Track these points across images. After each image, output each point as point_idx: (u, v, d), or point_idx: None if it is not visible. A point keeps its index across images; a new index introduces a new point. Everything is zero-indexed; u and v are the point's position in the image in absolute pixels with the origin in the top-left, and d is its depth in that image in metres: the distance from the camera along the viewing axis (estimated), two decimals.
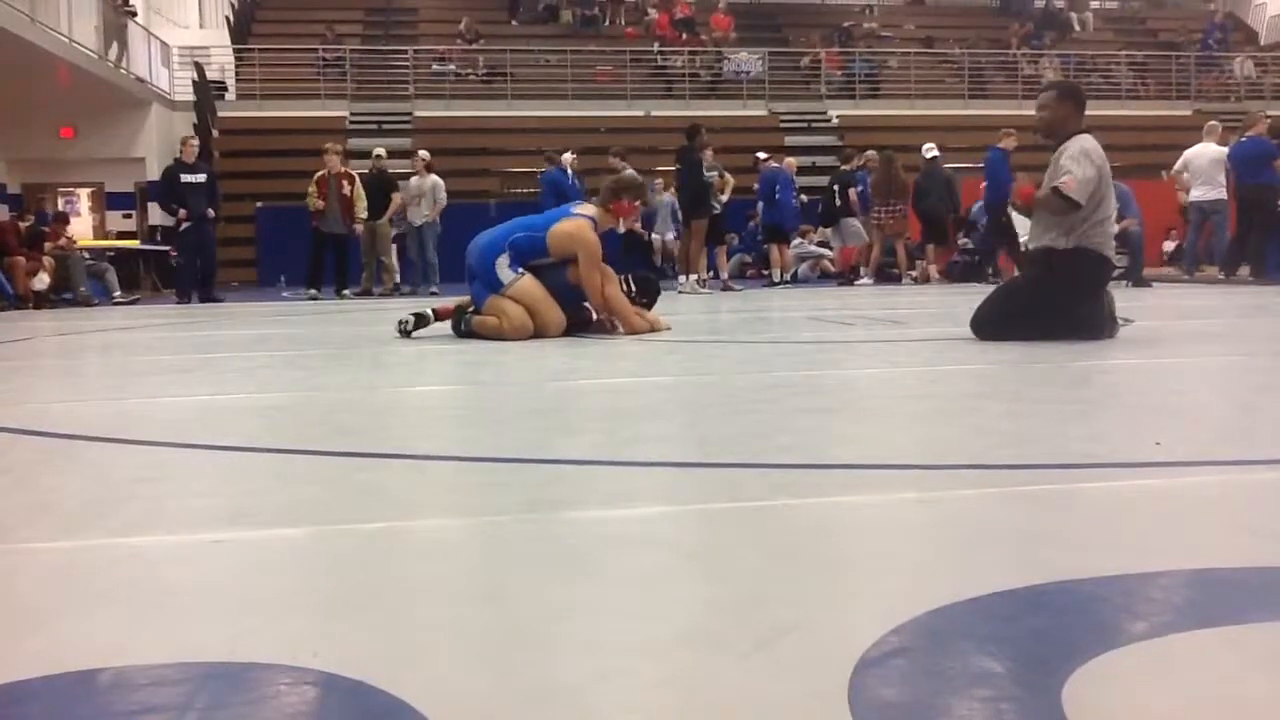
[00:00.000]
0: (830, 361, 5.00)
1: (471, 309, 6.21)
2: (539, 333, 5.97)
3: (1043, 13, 27.21)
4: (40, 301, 12.48)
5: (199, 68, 20.56)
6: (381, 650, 1.33)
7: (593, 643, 1.34)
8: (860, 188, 14.65)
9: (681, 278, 12.56)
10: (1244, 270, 12.26)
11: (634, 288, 6.55)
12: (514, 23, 25.02)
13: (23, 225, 13.54)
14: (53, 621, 1.48)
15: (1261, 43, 26.60)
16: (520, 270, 6.01)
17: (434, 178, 14.15)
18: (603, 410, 3.52)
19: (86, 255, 13.85)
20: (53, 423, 3.32)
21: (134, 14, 19.76)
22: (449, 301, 6.80)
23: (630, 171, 10.29)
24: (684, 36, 23.97)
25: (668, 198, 15.19)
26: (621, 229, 6.48)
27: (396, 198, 13.86)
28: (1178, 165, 12.99)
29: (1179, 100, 23.34)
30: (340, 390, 4.12)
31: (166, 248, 18.24)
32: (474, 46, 23.00)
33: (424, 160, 14.32)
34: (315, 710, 1.20)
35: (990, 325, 5.20)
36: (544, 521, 1.95)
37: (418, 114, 21.31)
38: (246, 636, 1.39)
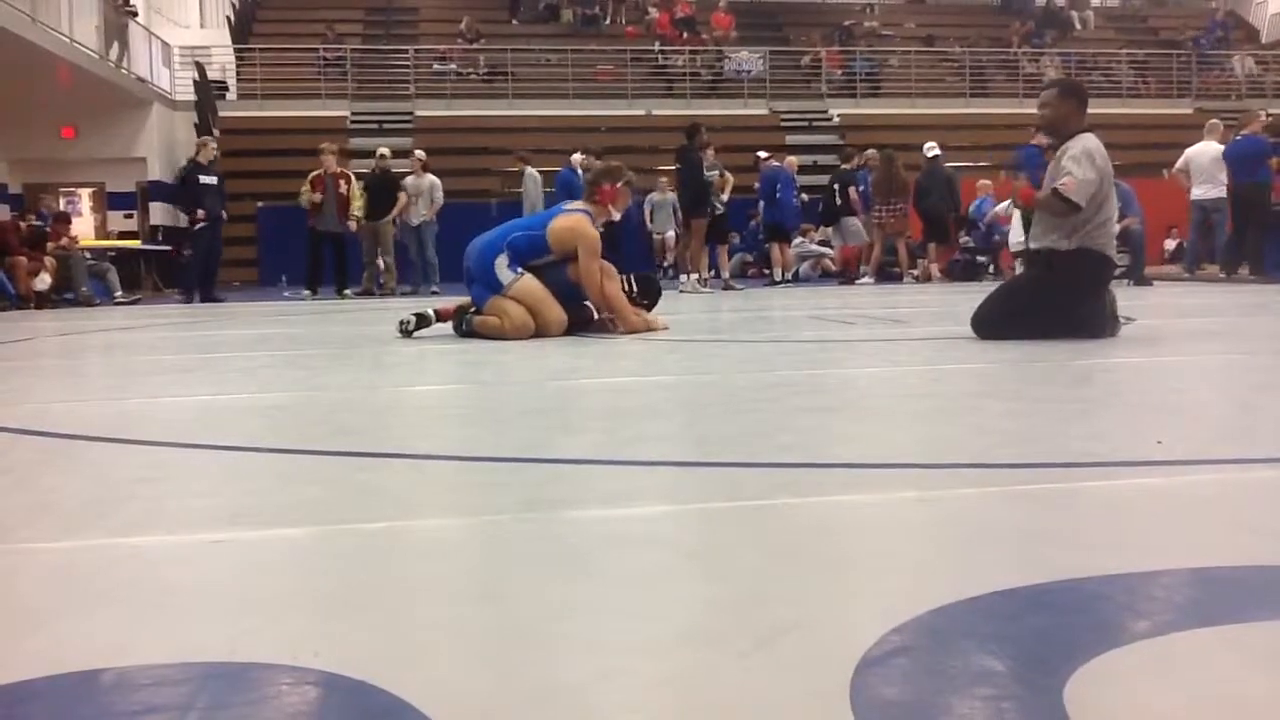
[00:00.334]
0: (831, 360, 5.00)
1: (473, 309, 6.21)
2: (540, 332, 5.97)
3: (1044, 11, 27.21)
4: (41, 301, 12.49)
5: (200, 67, 20.58)
6: (382, 650, 1.33)
7: (593, 642, 1.34)
8: (862, 187, 14.64)
9: (683, 277, 12.56)
10: (1243, 269, 12.26)
11: (635, 287, 6.55)
12: (515, 22, 25.04)
13: (24, 225, 13.54)
14: (53, 621, 1.48)
15: (1263, 40, 26.59)
16: (520, 270, 6.02)
17: (431, 177, 14.15)
18: (603, 409, 3.52)
19: (88, 255, 13.86)
20: (53, 423, 3.32)
21: (135, 14, 19.77)
22: (450, 302, 6.81)
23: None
24: (685, 35, 23.98)
25: (670, 196, 15.20)
26: (616, 216, 6.47)
27: (402, 197, 13.86)
28: (1179, 164, 12.98)
29: (1180, 98, 23.34)
30: (341, 390, 4.12)
31: (168, 247, 18.28)
32: (475, 46, 23.02)
33: (420, 160, 14.31)
34: (316, 710, 1.20)
35: (991, 324, 5.20)
36: (544, 521, 1.95)
37: (419, 113, 21.32)
38: (247, 636, 1.39)
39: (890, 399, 3.63)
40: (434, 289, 13.58)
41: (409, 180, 14.12)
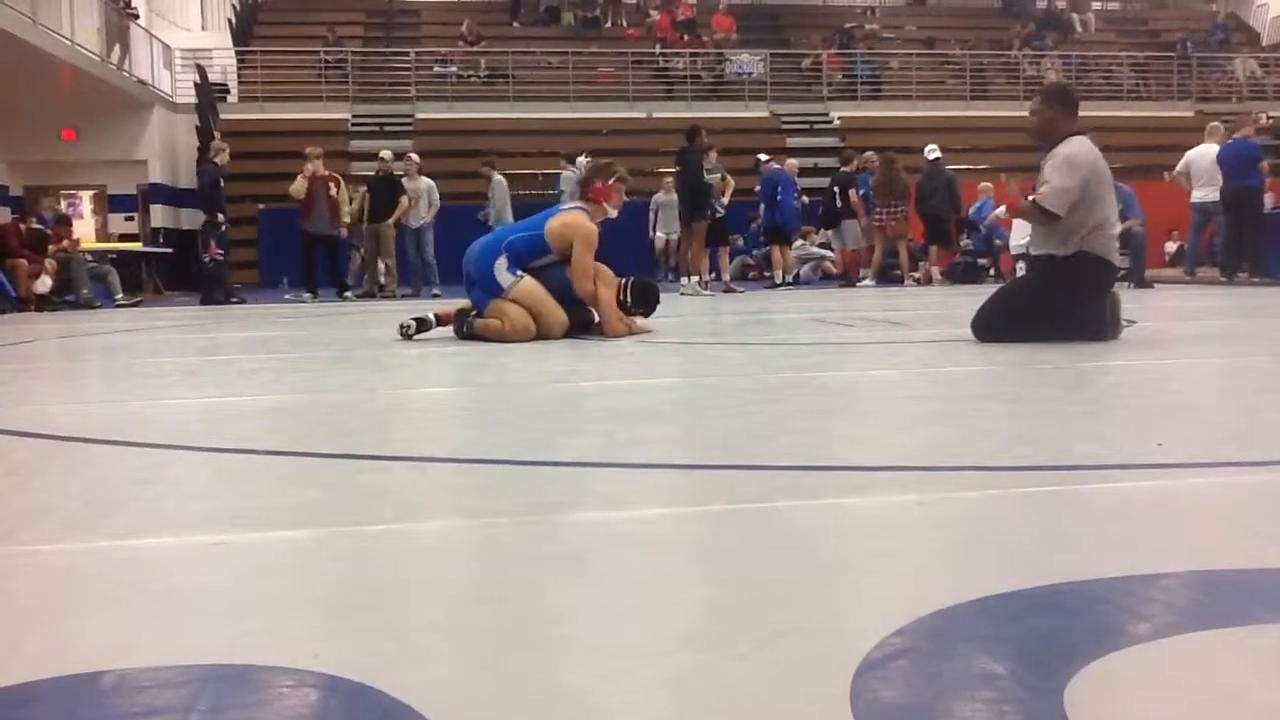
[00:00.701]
0: (832, 363, 5.00)
1: (474, 312, 6.21)
2: (541, 334, 5.97)
3: (1044, 13, 27.23)
4: (42, 304, 12.48)
5: (201, 70, 20.59)
6: (382, 652, 1.33)
7: (593, 644, 1.34)
8: (862, 190, 14.63)
9: (683, 279, 12.56)
10: (1243, 272, 12.27)
11: (630, 298, 6.35)
12: (515, 24, 25.05)
13: (24, 227, 13.54)
14: (53, 623, 1.48)
15: (1263, 43, 26.60)
16: (519, 273, 6.01)
17: (426, 179, 14.14)
18: (604, 412, 3.52)
19: (89, 257, 13.85)
20: (54, 425, 3.33)
21: (136, 16, 19.80)
22: (450, 305, 6.80)
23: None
24: (685, 38, 23.99)
25: (675, 197, 15.18)
26: (613, 213, 6.44)
27: (404, 199, 13.84)
28: (1180, 166, 12.99)
29: (1180, 101, 23.34)
30: (342, 392, 4.13)
31: (169, 249, 18.29)
32: (475, 48, 23.02)
33: (415, 163, 14.28)
34: (317, 712, 1.20)
35: (992, 327, 5.20)
36: (545, 523, 1.95)
37: (419, 116, 21.32)
38: (247, 638, 1.39)
39: (891, 401, 3.63)
40: (435, 291, 13.57)
41: (404, 184, 14.11)
